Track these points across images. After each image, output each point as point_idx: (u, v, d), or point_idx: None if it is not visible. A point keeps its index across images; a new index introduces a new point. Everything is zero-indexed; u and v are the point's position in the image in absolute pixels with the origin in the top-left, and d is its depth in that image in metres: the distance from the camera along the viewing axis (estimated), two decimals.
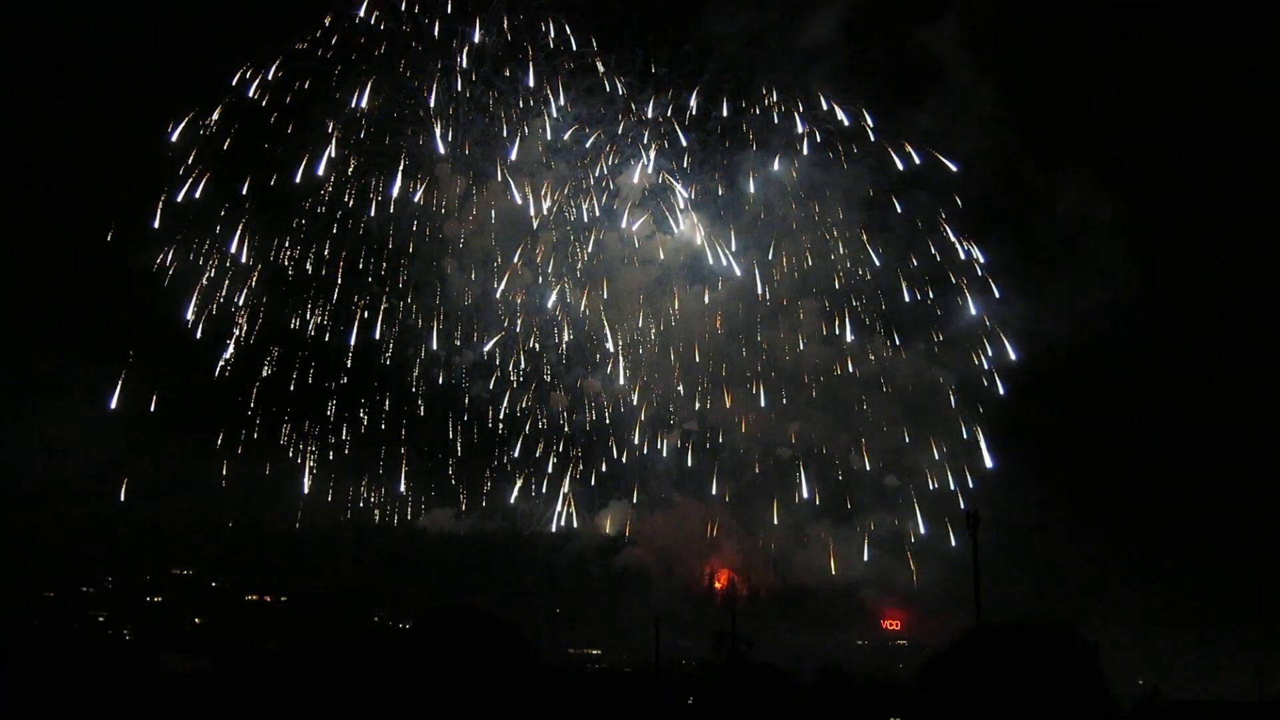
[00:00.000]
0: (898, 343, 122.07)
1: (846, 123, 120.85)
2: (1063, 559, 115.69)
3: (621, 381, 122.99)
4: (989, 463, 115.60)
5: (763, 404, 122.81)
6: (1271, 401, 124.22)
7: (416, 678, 2.11)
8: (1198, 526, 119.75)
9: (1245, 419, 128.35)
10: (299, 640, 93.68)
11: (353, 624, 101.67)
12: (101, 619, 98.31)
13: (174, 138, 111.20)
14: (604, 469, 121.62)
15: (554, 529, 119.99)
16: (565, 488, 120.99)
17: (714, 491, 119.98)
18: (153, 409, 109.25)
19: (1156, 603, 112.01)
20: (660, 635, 62.63)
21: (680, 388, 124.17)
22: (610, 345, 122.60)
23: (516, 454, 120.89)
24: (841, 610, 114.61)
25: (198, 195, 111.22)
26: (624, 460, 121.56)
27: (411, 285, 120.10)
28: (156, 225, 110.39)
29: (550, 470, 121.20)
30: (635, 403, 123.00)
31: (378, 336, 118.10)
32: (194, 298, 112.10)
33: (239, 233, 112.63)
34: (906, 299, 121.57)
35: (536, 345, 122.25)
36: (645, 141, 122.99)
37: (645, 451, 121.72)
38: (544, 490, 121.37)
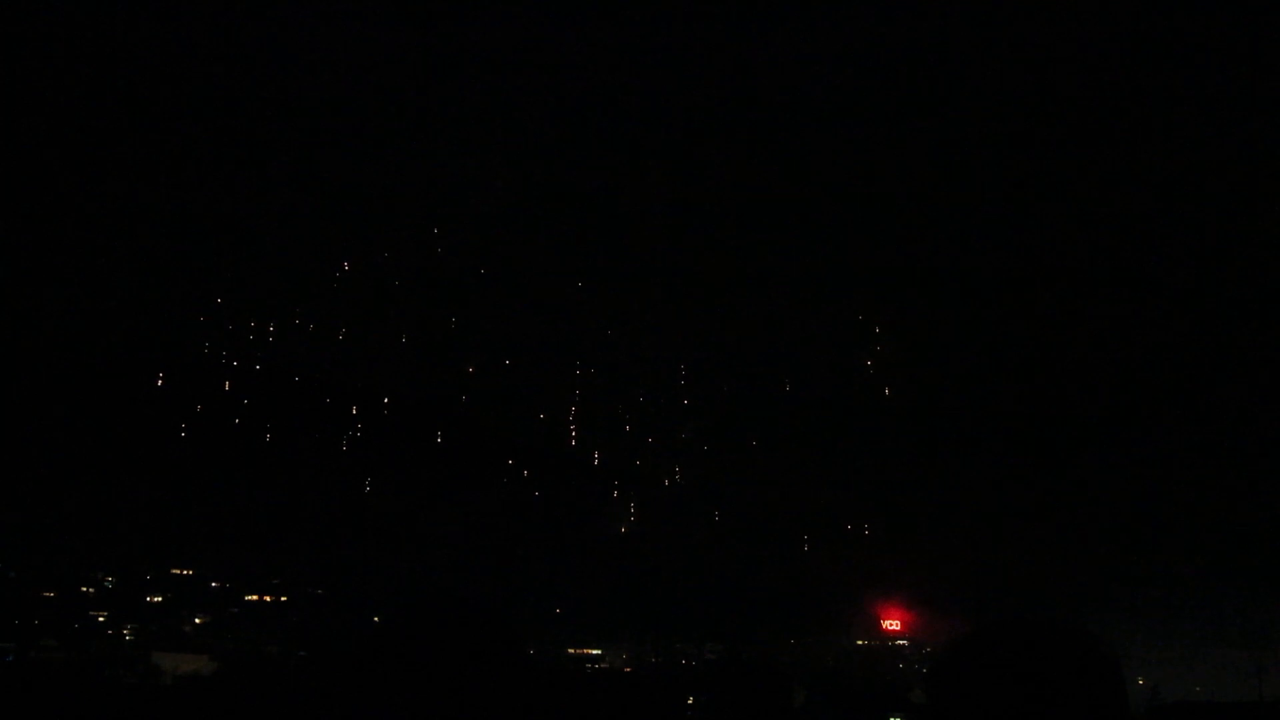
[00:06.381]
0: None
1: None
2: (1061, 558, 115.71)
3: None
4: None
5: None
6: (1270, 398, 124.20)
7: (393, 667, 2.08)
8: (1198, 526, 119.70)
9: (1244, 418, 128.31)
10: (299, 640, 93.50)
11: (353, 624, 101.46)
12: (101, 619, 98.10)
13: None
14: (606, 469, 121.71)
15: (557, 529, 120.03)
16: (568, 488, 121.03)
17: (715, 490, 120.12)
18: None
19: (1156, 603, 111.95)
20: (660, 636, 62.56)
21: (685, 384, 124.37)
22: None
23: (521, 454, 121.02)
24: (842, 610, 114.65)
25: None
26: (627, 459, 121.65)
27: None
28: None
29: (552, 470, 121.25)
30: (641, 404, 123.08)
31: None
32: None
33: None
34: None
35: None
36: None
37: (648, 449, 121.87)
38: (546, 490, 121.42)
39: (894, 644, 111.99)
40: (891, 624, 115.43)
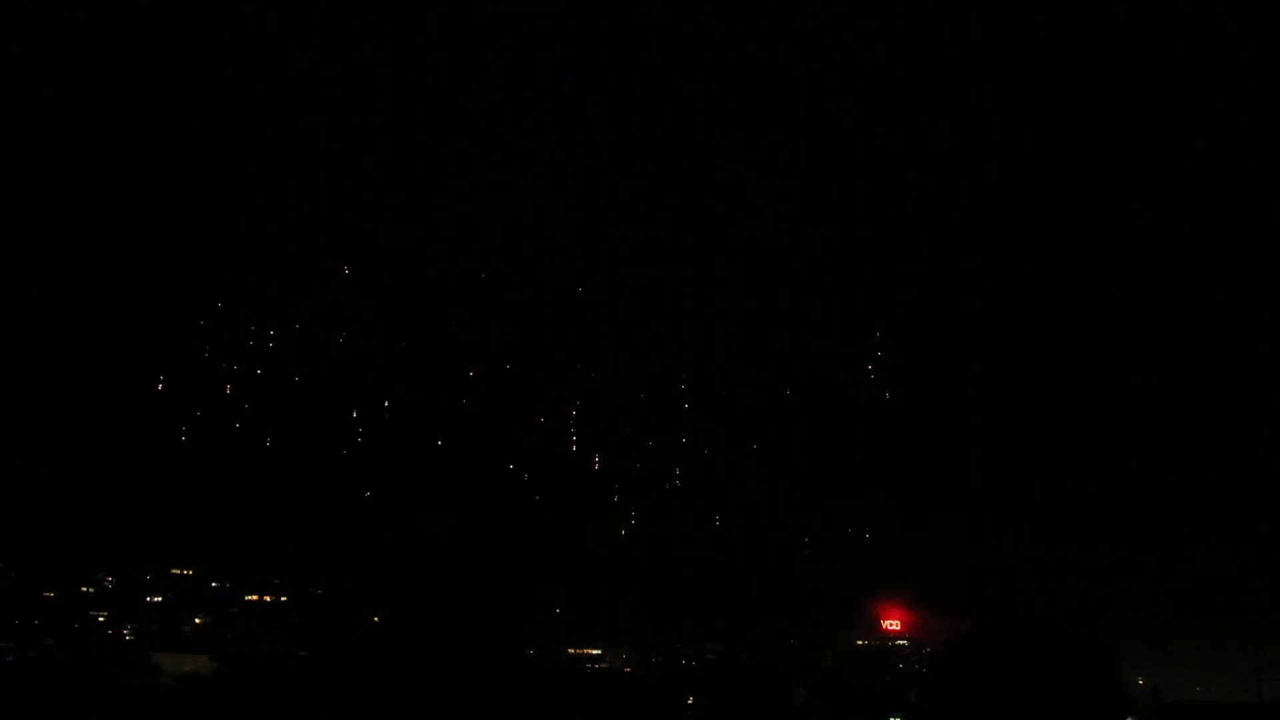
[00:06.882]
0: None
1: None
2: (1060, 558, 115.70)
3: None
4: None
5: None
6: (1270, 397, 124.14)
7: (393, 667, 2.09)
8: (1197, 525, 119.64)
9: (1244, 417, 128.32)
10: (299, 640, 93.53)
11: (353, 625, 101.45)
12: (101, 619, 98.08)
13: None
14: (607, 471, 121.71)
15: (557, 529, 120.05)
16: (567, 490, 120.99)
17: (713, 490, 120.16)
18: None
19: (1156, 602, 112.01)
20: (660, 636, 62.58)
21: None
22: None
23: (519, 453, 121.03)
24: (841, 610, 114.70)
25: None
26: (627, 461, 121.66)
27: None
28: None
29: (553, 471, 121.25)
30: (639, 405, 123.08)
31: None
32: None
33: None
34: None
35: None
36: None
37: (647, 452, 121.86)
38: (546, 490, 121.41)
39: (894, 644, 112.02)
40: (891, 624, 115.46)
